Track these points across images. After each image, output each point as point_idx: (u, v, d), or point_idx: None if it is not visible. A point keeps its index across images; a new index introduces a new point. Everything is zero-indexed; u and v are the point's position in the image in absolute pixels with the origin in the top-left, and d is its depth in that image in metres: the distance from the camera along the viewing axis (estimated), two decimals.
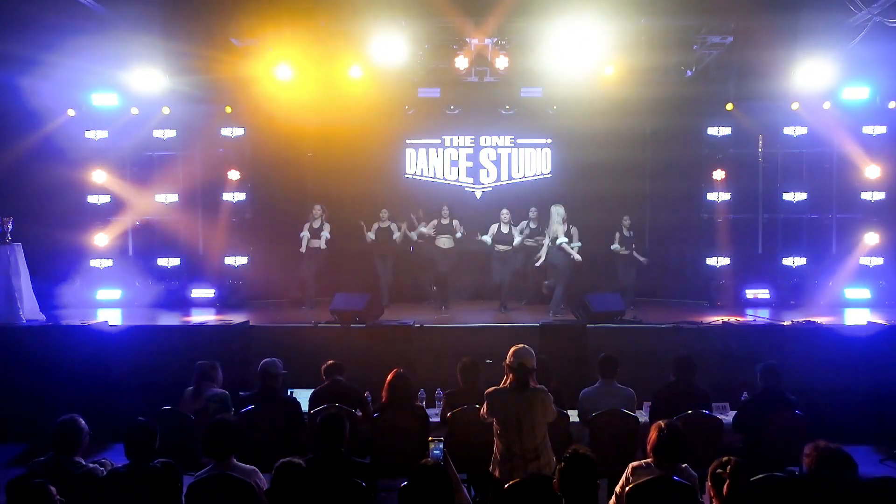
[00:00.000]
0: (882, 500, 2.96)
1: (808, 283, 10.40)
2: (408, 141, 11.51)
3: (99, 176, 10.77)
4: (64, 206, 10.47)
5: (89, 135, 10.78)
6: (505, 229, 9.75)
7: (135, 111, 10.65)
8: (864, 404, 7.10)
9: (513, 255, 9.77)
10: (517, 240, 9.68)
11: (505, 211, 9.86)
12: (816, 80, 10.29)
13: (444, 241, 9.93)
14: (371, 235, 10.12)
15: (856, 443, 6.04)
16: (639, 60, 9.73)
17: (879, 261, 10.52)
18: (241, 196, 10.83)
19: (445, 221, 9.96)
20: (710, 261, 10.60)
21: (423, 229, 9.95)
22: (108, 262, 10.81)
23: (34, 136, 10.18)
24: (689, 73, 9.92)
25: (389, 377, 5.37)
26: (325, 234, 10.00)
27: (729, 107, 10.38)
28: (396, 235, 10.16)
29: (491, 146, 11.52)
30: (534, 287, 10.23)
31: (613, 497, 3.95)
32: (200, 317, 9.53)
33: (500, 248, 9.67)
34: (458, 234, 9.86)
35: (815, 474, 3.39)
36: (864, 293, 10.28)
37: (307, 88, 10.85)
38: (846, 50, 9.82)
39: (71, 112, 10.55)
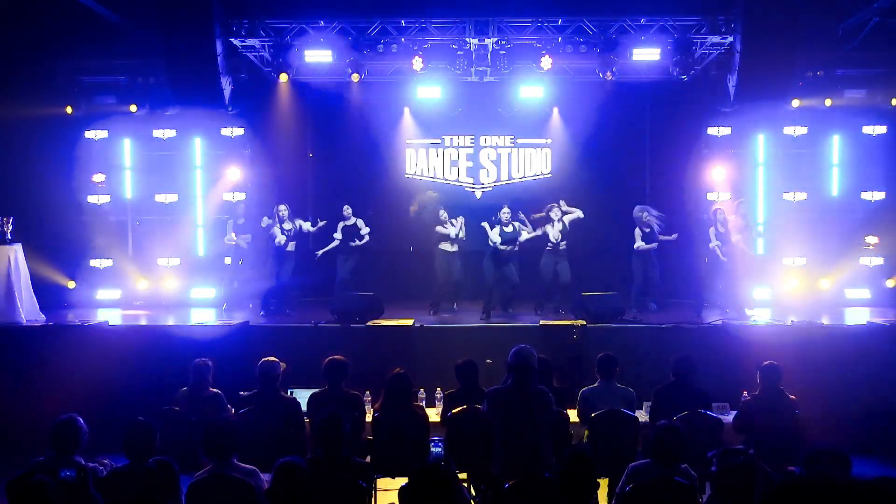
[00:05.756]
0: (881, 501, 2.95)
1: (809, 284, 10.40)
2: (408, 141, 11.51)
3: (99, 176, 10.77)
4: (64, 206, 10.47)
5: (89, 135, 10.78)
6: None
7: (133, 108, 10.64)
8: (864, 404, 7.10)
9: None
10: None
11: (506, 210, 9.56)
12: (817, 80, 10.32)
13: (448, 245, 9.56)
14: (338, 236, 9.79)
15: (855, 443, 6.04)
16: (638, 59, 9.75)
17: (880, 261, 10.52)
18: (241, 196, 10.83)
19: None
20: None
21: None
22: (108, 262, 10.82)
23: (34, 136, 10.18)
24: (689, 73, 9.93)
25: (389, 378, 5.36)
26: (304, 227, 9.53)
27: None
28: (364, 231, 9.76)
29: (491, 146, 11.51)
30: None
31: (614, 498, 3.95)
32: (200, 317, 9.54)
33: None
34: (459, 233, 9.46)
35: (811, 473, 3.39)
36: (864, 293, 10.30)
37: (307, 88, 10.89)
38: (847, 50, 9.84)
39: (69, 109, 10.53)
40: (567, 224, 9.27)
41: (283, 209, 9.45)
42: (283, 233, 9.39)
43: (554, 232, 9.25)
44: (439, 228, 9.51)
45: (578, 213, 9.33)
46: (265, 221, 9.50)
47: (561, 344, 7.58)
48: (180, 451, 4.50)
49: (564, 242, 9.30)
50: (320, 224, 9.73)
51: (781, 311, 9.41)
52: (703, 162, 10.88)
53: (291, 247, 9.57)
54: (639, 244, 9.52)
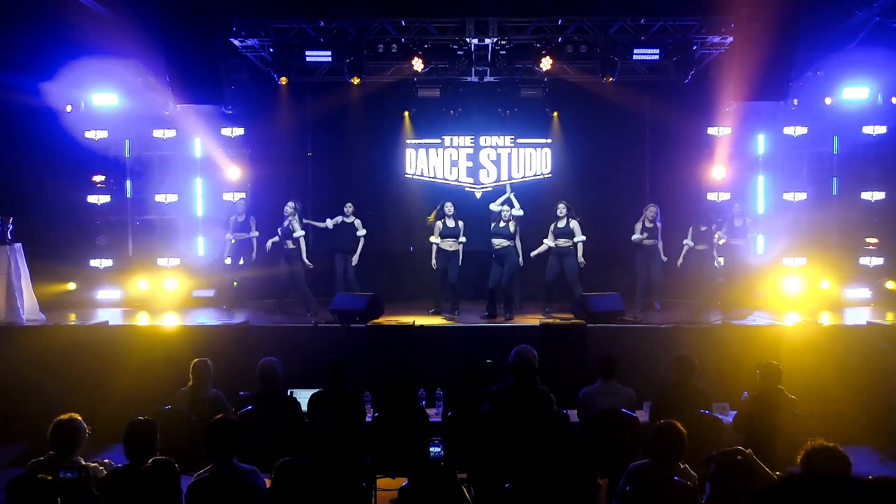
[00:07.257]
0: (881, 500, 2.95)
1: (809, 284, 10.39)
2: (408, 141, 11.50)
3: (99, 176, 10.77)
4: (64, 206, 10.46)
5: (89, 135, 10.78)
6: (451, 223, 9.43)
7: (133, 107, 10.63)
8: (864, 404, 7.10)
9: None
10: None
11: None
12: (817, 80, 10.33)
13: (450, 244, 9.40)
14: (329, 224, 9.86)
15: (855, 443, 6.05)
16: (638, 59, 9.75)
17: (880, 261, 10.52)
18: (241, 195, 10.83)
19: (451, 223, 9.43)
20: None
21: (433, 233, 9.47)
22: (108, 262, 10.82)
23: (34, 136, 10.18)
24: (689, 73, 9.92)
25: (389, 379, 5.37)
26: (298, 233, 9.58)
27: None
28: (361, 233, 9.71)
29: (491, 146, 11.51)
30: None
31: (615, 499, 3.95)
32: (200, 317, 9.54)
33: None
34: (462, 239, 9.38)
35: (810, 473, 3.40)
36: (864, 293, 10.30)
37: (307, 88, 10.89)
38: (847, 50, 9.83)
39: (69, 108, 10.52)
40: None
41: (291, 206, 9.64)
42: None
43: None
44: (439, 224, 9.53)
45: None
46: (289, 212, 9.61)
47: (561, 344, 7.58)
48: (180, 451, 4.50)
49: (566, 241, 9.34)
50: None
51: (781, 311, 9.42)
52: (703, 162, 10.89)
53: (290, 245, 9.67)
54: (636, 236, 9.61)
